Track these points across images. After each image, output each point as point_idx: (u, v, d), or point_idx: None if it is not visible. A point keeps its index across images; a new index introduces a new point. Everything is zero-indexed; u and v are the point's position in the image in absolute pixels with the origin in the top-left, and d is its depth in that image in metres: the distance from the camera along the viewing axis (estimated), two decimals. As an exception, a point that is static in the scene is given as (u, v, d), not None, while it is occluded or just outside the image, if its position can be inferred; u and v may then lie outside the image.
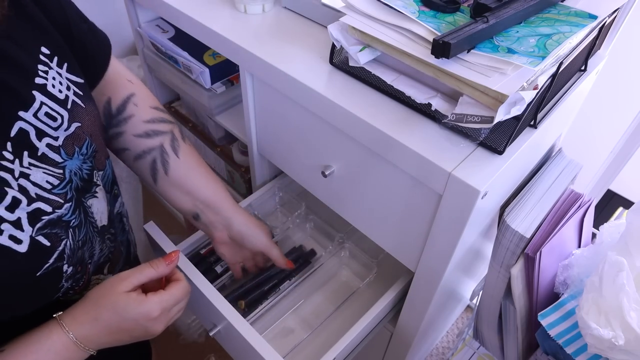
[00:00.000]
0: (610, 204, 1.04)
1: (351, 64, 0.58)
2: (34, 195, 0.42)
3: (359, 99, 0.58)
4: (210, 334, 0.69)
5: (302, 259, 0.84)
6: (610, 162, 0.93)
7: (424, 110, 0.56)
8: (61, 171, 0.45)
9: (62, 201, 0.45)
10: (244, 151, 1.03)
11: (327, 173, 0.66)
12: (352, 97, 0.59)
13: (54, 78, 0.46)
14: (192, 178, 0.64)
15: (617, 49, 0.74)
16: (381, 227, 0.67)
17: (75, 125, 0.47)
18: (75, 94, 0.49)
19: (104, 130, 0.60)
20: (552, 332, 0.60)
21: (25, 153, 0.42)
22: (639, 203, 0.56)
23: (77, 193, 0.48)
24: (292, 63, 0.64)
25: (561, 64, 0.51)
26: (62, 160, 0.46)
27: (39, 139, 0.43)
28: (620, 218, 0.69)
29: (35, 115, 0.43)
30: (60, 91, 0.46)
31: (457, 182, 0.49)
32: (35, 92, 0.43)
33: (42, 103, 0.44)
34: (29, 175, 0.42)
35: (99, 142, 0.53)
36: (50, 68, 0.46)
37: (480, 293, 0.75)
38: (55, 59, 0.47)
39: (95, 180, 0.52)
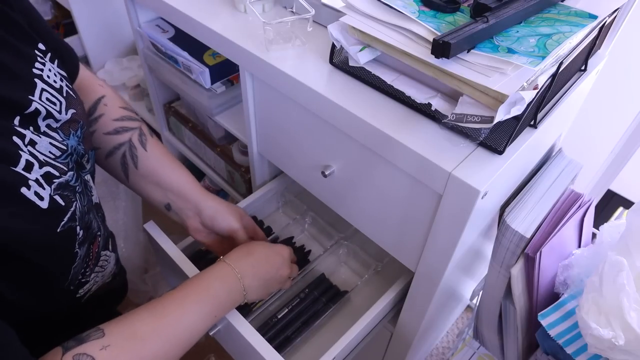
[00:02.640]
0: (610, 204, 1.04)
1: (351, 64, 0.58)
2: (43, 161, 0.44)
3: (359, 99, 0.58)
4: (211, 333, 0.69)
5: (300, 258, 0.84)
6: (610, 162, 0.93)
7: (424, 110, 0.56)
8: (65, 144, 0.48)
9: (66, 169, 0.47)
10: (244, 151, 1.03)
11: (327, 173, 0.66)
12: (352, 97, 0.59)
13: (49, 70, 0.49)
14: (160, 169, 0.66)
15: (617, 49, 0.74)
16: (381, 227, 0.67)
17: (71, 111, 0.50)
18: (67, 85, 0.51)
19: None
20: (552, 332, 0.60)
21: (31, 128, 0.44)
22: (639, 203, 0.56)
23: (77, 166, 0.51)
24: (292, 63, 0.64)
25: (561, 63, 0.51)
26: (62, 139, 0.48)
27: (43, 119, 0.46)
28: (620, 218, 0.69)
29: (39, 98, 0.46)
30: (55, 81, 0.49)
31: (457, 182, 0.49)
32: (36, 80, 0.46)
33: (42, 89, 0.47)
34: (36, 143, 0.44)
35: (88, 131, 0.55)
36: (46, 61, 0.49)
37: (480, 293, 0.75)
38: (49, 55, 0.50)
39: (86, 163, 0.54)
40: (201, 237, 0.71)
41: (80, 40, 1.38)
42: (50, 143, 0.46)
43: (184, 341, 0.50)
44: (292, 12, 0.74)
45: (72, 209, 0.46)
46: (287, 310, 0.77)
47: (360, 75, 0.61)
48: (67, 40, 1.40)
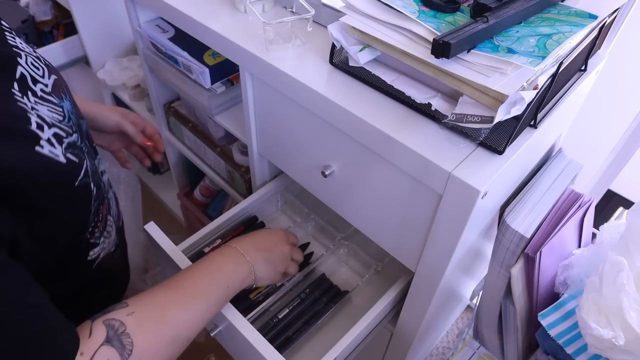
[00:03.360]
0: (610, 204, 1.04)
1: (351, 64, 0.58)
2: (50, 122, 0.46)
3: (359, 99, 0.58)
4: (212, 334, 0.69)
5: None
6: (610, 162, 0.93)
7: (424, 110, 0.56)
8: (61, 109, 0.50)
9: (70, 131, 0.49)
10: (244, 151, 1.03)
11: (327, 173, 0.66)
12: (352, 97, 0.59)
13: (20, 43, 0.51)
14: None
15: (617, 49, 0.74)
16: (381, 227, 0.67)
17: (53, 77, 0.52)
18: (42, 56, 0.54)
19: None
20: (552, 332, 0.60)
21: (29, 93, 0.46)
22: (639, 203, 0.56)
23: (78, 128, 0.53)
24: (292, 63, 0.64)
25: (561, 64, 0.51)
26: (58, 101, 0.50)
27: (34, 84, 0.48)
28: (620, 218, 0.69)
29: (26, 63, 0.48)
30: (30, 51, 0.51)
31: (457, 182, 0.49)
32: (15, 49, 0.48)
33: (25, 55, 0.49)
34: (38, 110, 0.46)
35: (73, 100, 0.57)
36: (15, 35, 0.51)
37: (480, 293, 0.75)
38: (13, 32, 0.52)
39: (81, 124, 0.56)
40: (97, 141, 0.75)
41: (80, 40, 1.38)
42: (49, 110, 0.48)
43: (201, 308, 0.54)
44: (292, 12, 0.74)
45: (84, 166, 0.49)
46: (287, 310, 0.77)
47: (360, 75, 0.61)
48: (67, 40, 1.40)
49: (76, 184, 0.47)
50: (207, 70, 0.86)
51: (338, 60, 0.63)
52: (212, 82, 0.89)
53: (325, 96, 0.59)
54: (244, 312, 0.71)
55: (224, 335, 0.69)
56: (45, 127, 0.44)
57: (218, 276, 0.59)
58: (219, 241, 0.82)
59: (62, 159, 0.45)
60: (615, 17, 0.66)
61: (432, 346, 1.24)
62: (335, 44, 0.58)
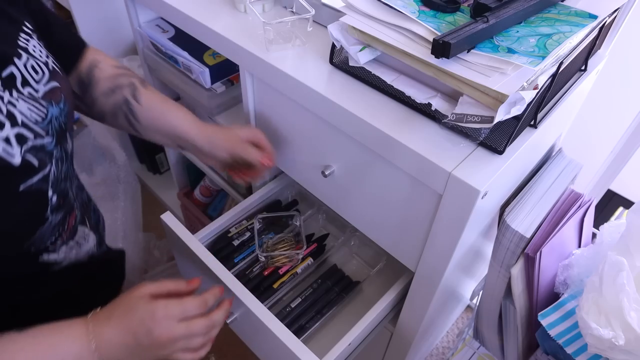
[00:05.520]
0: (610, 204, 1.04)
1: (351, 63, 0.58)
2: (19, 122, 0.45)
3: (359, 99, 0.58)
4: (227, 321, 0.69)
5: (316, 246, 0.85)
6: (610, 162, 0.93)
7: (424, 110, 0.56)
8: (45, 111, 0.49)
9: (44, 134, 0.48)
10: (244, 151, 1.03)
11: (327, 173, 0.66)
12: (352, 97, 0.58)
13: (34, 46, 0.50)
14: (156, 118, 0.68)
15: (617, 49, 0.74)
16: (381, 227, 0.67)
17: (53, 84, 0.51)
18: (53, 62, 0.53)
19: (79, 109, 0.67)
20: (552, 332, 0.60)
21: (13, 90, 0.45)
22: (639, 203, 0.56)
23: (57, 134, 0.51)
24: (292, 63, 0.64)
25: (561, 63, 0.51)
26: (43, 107, 0.49)
27: (23, 86, 0.47)
28: (620, 218, 0.69)
29: (24, 65, 0.47)
30: (40, 56, 0.50)
31: (457, 182, 0.49)
32: (19, 50, 0.48)
33: (28, 57, 0.48)
34: (15, 104, 0.45)
35: (71, 110, 0.55)
36: (32, 38, 0.51)
37: (480, 293, 0.75)
38: (35, 35, 0.52)
39: (67, 135, 0.54)
40: (215, 167, 0.73)
41: (80, 40, 1.39)
42: (29, 109, 0.47)
43: None
44: (292, 12, 0.74)
45: (46, 171, 0.47)
46: (300, 300, 0.78)
47: (360, 75, 0.61)
48: (67, 40, 1.40)
49: (21, 188, 0.44)
50: (207, 70, 0.86)
51: (338, 60, 0.63)
52: (212, 82, 0.89)
53: (325, 96, 0.59)
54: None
55: (239, 322, 0.69)
56: (7, 125, 0.43)
57: None
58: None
59: (16, 160, 0.43)
60: (615, 17, 0.66)
61: (432, 346, 1.24)
62: (335, 44, 0.58)
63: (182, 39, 0.92)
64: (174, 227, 0.72)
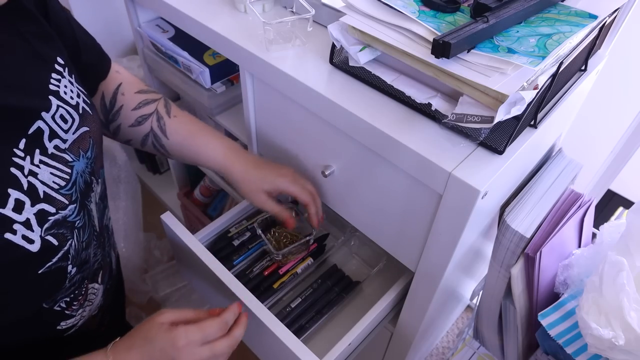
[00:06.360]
0: (610, 204, 1.04)
1: (351, 63, 0.58)
2: (41, 195, 0.42)
3: (359, 99, 0.58)
4: None
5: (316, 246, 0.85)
6: (610, 162, 0.93)
7: (424, 110, 0.56)
8: (69, 171, 0.46)
9: (67, 202, 0.46)
10: (244, 151, 1.03)
11: (327, 173, 0.66)
12: (352, 97, 0.58)
13: (65, 86, 0.48)
14: (185, 149, 0.68)
15: (617, 49, 0.74)
16: (381, 227, 0.67)
17: (83, 129, 0.49)
18: (84, 101, 0.51)
19: (103, 133, 0.63)
20: (552, 332, 0.60)
21: (37, 151, 0.43)
22: (639, 203, 0.56)
23: (81, 195, 0.49)
24: (292, 63, 0.64)
25: (561, 63, 0.51)
26: (71, 160, 0.47)
27: (50, 140, 0.45)
28: (620, 218, 0.69)
29: (52, 117, 0.45)
30: (71, 97, 0.49)
31: (457, 182, 0.49)
32: (50, 97, 0.46)
33: (58, 106, 0.46)
34: (37, 174, 0.43)
35: (100, 149, 0.54)
36: (63, 77, 0.48)
37: (480, 293, 0.75)
38: (67, 69, 0.50)
39: (93, 185, 0.53)
40: (260, 199, 0.68)
41: (80, 40, 1.39)
42: (52, 173, 0.44)
43: None
44: (292, 12, 0.74)
45: (66, 248, 0.45)
46: (300, 300, 0.77)
47: (360, 75, 0.61)
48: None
49: (40, 271, 0.43)
50: (207, 70, 0.86)
51: (338, 60, 0.63)
52: (212, 82, 0.89)
53: (325, 96, 0.59)
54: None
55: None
56: (27, 204, 0.41)
57: None
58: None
59: (35, 245, 0.41)
60: (615, 17, 0.65)
61: (432, 346, 1.24)
62: (335, 43, 0.58)
63: (182, 39, 0.92)
64: (174, 227, 0.72)
